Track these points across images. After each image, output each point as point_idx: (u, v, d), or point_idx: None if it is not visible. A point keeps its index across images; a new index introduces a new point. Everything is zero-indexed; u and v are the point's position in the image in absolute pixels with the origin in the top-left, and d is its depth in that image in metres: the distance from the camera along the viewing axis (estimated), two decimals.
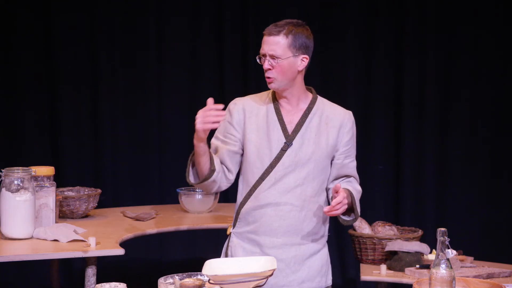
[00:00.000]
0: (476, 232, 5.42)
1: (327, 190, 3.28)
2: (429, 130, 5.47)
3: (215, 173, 3.16)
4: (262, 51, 3.15)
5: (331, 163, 3.26)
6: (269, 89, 3.23)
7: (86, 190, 4.51)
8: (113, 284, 2.69)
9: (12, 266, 4.98)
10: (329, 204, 3.24)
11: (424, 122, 5.47)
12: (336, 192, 3.04)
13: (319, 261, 3.27)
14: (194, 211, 4.55)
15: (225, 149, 3.22)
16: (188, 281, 2.68)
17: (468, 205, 5.45)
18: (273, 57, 3.12)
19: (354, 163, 3.31)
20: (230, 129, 3.24)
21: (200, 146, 3.08)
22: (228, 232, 3.33)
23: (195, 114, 5.79)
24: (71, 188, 4.55)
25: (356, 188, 3.26)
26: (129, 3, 5.42)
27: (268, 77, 3.14)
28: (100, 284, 2.69)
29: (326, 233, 3.34)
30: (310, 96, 3.28)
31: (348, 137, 3.26)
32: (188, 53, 5.51)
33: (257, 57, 3.18)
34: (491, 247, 5.29)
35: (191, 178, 3.21)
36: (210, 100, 3.04)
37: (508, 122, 5.42)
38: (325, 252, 3.32)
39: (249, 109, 3.23)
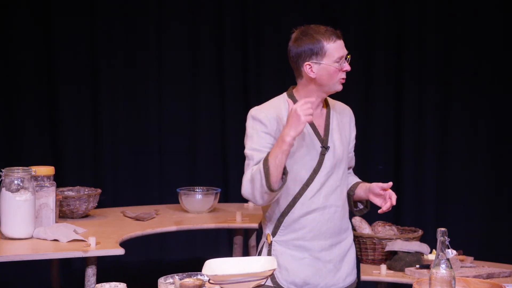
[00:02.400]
0: (476, 232, 5.42)
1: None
2: (429, 130, 5.47)
3: (287, 176, 3.09)
4: (340, 54, 3.20)
5: None
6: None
7: (86, 190, 4.51)
8: (113, 284, 2.69)
9: (12, 266, 4.98)
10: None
11: (424, 122, 5.47)
12: (385, 190, 3.26)
13: (353, 254, 3.38)
14: (194, 211, 4.55)
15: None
16: (188, 281, 2.68)
17: (468, 205, 5.45)
18: (347, 57, 3.25)
19: (352, 155, 3.45)
20: (268, 138, 3.15)
21: (292, 144, 3.04)
22: (269, 241, 3.28)
23: (195, 114, 5.83)
24: (71, 188, 4.54)
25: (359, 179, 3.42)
26: (129, 3, 5.42)
27: (345, 78, 3.22)
28: (100, 284, 2.68)
29: (351, 226, 3.45)
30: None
31: (355, 131, 3.40)
32: (188, 54, 5.51)
33: (333, 65, 3.18)
34: (491, 247, 5.29)
35: (277, 185, 3.08)
36: (309, 99, 3.06)
37: (509, 122, 5.42)
38: (354, 244, 3.42)
39: (280, 117, 3.17)
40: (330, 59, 3.17)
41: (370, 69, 5.53)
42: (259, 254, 3.32)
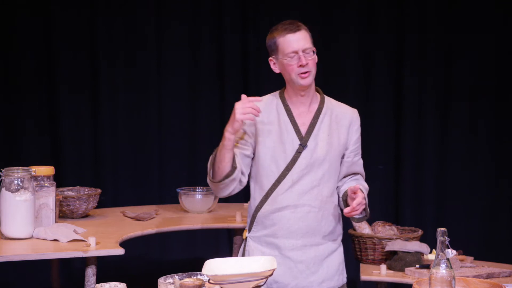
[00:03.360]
0: (476, 232, 5.42)
1: (338, 187, 3.30)
2: (429, 130, 5.47)
3: (237, 171, 3.15)
4: (291, 49, 3.12)
5: (341, 162, 3.27)
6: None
7: (86, 190, 4.51)
8: (113, 284, 2.69)
9: (12, 266, 4.98)
10: (339, 202, 3.28)
11: (424, 122, 5.47)
12: (354, 193, 3.06)
13: (336, 260, 3.29)
14: (194, 211, 4.55)
15: (239, 152, 3.21)
16: (188, 281, 2.68)
17: (468, 205, 5.45)
18: (306, 50, 3.13)
19: (361, 161, 3.34)
20: (242, 133, 3.23)
21: (231, 139, 3.09)
22: (244, 237, 3.32)
23: (195, 114, 5.84)
24: (71, 188, 4.55)
25: (364, 186, 3.29)
26: (129, 3, 5.42)
27: (306, 72, 3.13)
28: (100, 284, 2.69)
29: (341, 231, 3.36)
30: (319, 96, 3.29)
31: (357, 135, 3.30)
32: (188, 53, 5.51)
33: (276, 59, 3.16)
34: (491, 247, 5.29)
35: (216, 177, 3.17)
36: (244, 96, 3.07)
37: (509, 122, 5.42)
38: (341, 250, 3.35)
39: (260, 113, 3.19)
40: (283, 54, 3.15)
41: (370, 69, 5.52)
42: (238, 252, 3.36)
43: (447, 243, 2.55)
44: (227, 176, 3.14)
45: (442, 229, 2.56)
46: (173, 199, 4.81)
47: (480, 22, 5.41)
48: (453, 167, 5.47)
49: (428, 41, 5.44)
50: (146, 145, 5.48)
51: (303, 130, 3.20)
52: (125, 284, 2.70)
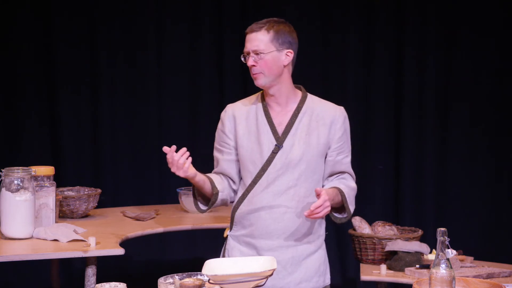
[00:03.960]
0: (476, 232, 5.42)
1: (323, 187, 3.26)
2: (429, 129, 5.47)
3: (220, 194, 3.22)
4: (245, 49, 3.16)
5: (325, 161, 3.24)
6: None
7: (86, 190, 4.51)
8: (113, 284, 2.69)
9: (12, 266, 4.98)
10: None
11: (424, 121, 5.47)
12: (318, 195, 3.02)
13: (316, 261, 3.26)
14: (194, 211, 4.55)
15: (223, 160, 3.25)
16: (188, 281, 2.68)
17: (468, 205, 5.44)
18: (256, 52, 3.13)
19: (348, 159, 3.28)
20: (224, 137, 3.26)
21: (194, 181, 3.16)
22: (225, 235, 3.34)
23: (195, 113, 5.84)
24: (71, 188, 4.55)
25: (349, 186, 3.24)
26: (129, 3, 5.42)
27: (254, 74, 3.14)
28: (100, 284, 2.69)
29: (323, 233, 3.33)
30: (299, 94, 3.27)
31: (340, 133, 3.24)
32: (188, 53, 5.51)
33: (241, 57, 3.18)
34: (491, 247, 5.29)
35: (202, 207, 3.28)
36: (165, 148, 3.11)
37: (509, 122, 5.42)
38: (322, 251, 3.31)
39: (239, 115, 3.23)
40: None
41: (370, 69, 5.52)
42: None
43: (447, 243, 2.55)
44: (212, 202, 3.23)
45: (442, 229, 2.56)
46: (173, 199, 4.81)
47: (481, 19, 5.40)
48: (453, 167, 5.46)
49: (429, 41, 5.43)
50: (146, 145, 5.47)
51: (280, 130, 3.19)
52: (125, 284, 2.70)
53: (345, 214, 3.25)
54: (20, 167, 3.77)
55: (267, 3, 5.47)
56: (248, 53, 3.15)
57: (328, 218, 3.32)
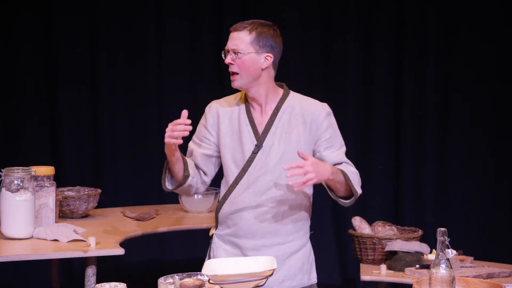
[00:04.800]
0: (476, 232, 5.42)
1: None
2: (429, 129, 5.47)
3: (190, 178, 3.21)
4: (226, 46, 3.17)
5: (316, 158, 3.18)
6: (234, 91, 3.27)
7: (86, 190, 4.51)
8: (113, 284, 2.69)
9: (12, 266, 4.98)
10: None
11: (424, 121, 5.47)
12: (302, 157, 2.97)
13: (300, 259, 3.25)
14: (194, 211, 4.55)
15: (199, 153, 3.26)
16: (188, 281, 2.68)
17: (468, 205, 5.44)
18: (235, 52, 3.13)
19: (340, 152, 3.23)
20: (205, 132, 3.27)
21: (171, 156, 3.14)
22: (210, 234, 3.35)
23: (196, 113, 5.81)
24: (71, 188, 4.55)
25: (350, 170, 3.18)
26: (129, 3, 5.41)
27: (232, 73, 3.15)
28: (100, 284, 2.69)
29: (308, 231, 3.31)
30: (280, 93, 3.25)
31: (324, 127, 3.20)
32: (188, 53, 5.51)
33: (222, 53, 3.19)
34: (491, 247, 5.29)
35: (167, 185, 3.28)
36: (184, 113, 3.09)
37: (509, 122, 5.42)
38: (307, 250, 3.30)
39: (223, 112, 3.25)
40: None
41: (370, 69, 5.52)
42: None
43: (447, 243, 2.55)
44: (180, 184, 3.23)
45: (442, 229, 2.56)
46: (173, 199, 4.81)
47: (481, 20, 5.40)
48: (453, 167, 5.46)
49: (429, 40, 5.43)
50: (146, 145, 5.47)
51: (260, 129, 3.20)
52: (125, 284, 2.70)
53: (351, 199, 3.19)
54: (20, 167, 3.76)
55: (267, 3, 5.47)
56: (228, 51, 3.15)
57: (316, 215, 3.32)
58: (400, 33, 5.47)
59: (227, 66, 5.72)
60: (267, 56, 3.16)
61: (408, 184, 5.47)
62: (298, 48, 5.44)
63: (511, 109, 5.43)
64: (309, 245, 3.32)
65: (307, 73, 5.52)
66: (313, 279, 3.32)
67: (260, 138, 3.18)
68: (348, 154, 3.30)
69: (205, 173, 3.28)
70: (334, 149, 3.22)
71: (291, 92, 3.28)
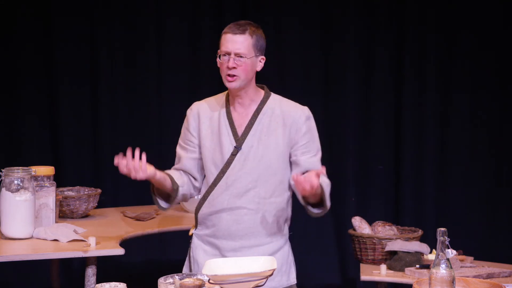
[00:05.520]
0: (476, 232, 5.42)
1: (292, 185, 3.20)
2: (429, 130, 5.46)
3: (180, 189, 3.22)
4: (225, 49, 3.13)
5: (290, 161, 3.21)
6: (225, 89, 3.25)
7: (86, 190, 4.51)
8: (113, 284, 2.69)
9: (12, 266, 4.98)
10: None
11: (424, 122, 5.46)
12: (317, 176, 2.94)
13: (278, 260, 3.19)
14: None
15: (186, 157, 3.26)
16: (188, 281, 2.68)
17: (468, 205, 5.44)
18: (238, 55, 3.12)
19: (316, 158, 3.22)
20: (188, 135, 3.27)
21: (156, 180, 3.16)
22: (190, 233, 3.36)
23: None
24: (71, 188, 4.55)
25: (325, 181, 3.16)
26: (129, 3, 5.41)
27: (232, 75, 3.12)
28: (100, 284, 2.68)
29: (287, 232, 3.31)
30: (261, 95, 3.25)
31: (302, 132, 3.20)
32: (188, 53, 5.51)
33: (218, 56, 3.16)
34: (491, 247, 5.29)
35: (163, 205, 3.28)
36: (116, 161, 3.18)
37: (509, 122, 5.42)
38: (285, 251, 3.29)
39: (203, 114, 3.24)
40: (220, 51, 3.18)
41: (369, 70, 5.52)
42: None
43: (447, 243, 2.55)
44: (173, 198, 3.24)
45: (442, 229, 2.56)
46: None
47: (481, 16, 5.40)
48: (453, 167, 5.46)
49: (429, 41, 5.43)
50: (146, 145, 5.44)
51: (240, 131, 3.19)
52: (125, 284, 2.70)
53: (320, 209, 3.18)
54: (20, 167, 3.77)
55: (267, 3, 5.47)
56: (229, 54, 3.12)
57: (298, 217, 3.32)
58: (400, 33, 5.47)
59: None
60: (261, 58, 3.19)
61: (408, 184, 5.47)
62: (298, 48, 5.44)
63: (511, 109, 5.43)
64: (287, 246, 3.31)
65: (307, 73, 5.52)
66: (292, 279, 3.31)
67: (239, 140, 3.18)
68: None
69: (195, 178, 3.28)
70: (311, 154, 3.21)
71: (272, 94, 3.27)
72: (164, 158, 5.53)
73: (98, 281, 3.14)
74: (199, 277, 2.75)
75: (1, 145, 5.28)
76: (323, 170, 3.01)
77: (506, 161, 5.43)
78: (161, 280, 2.71)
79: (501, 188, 5.43)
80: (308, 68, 5.52)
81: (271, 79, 5.42)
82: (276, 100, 3.24)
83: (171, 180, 3.21)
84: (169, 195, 3.26)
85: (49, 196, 3.96)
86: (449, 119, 5.47)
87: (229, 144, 3.18)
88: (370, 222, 4.25)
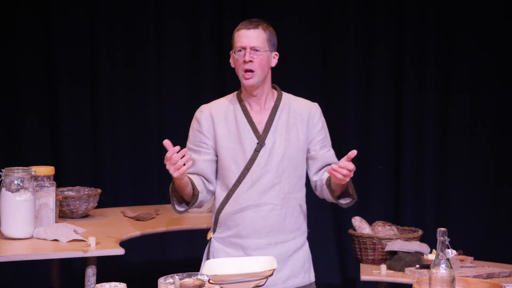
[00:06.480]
0: (476, 232, 5.42)
1: (315, 182, 3.28)
2: (429, 130, 5.47)
3: (200, 195, 3.20)
4: (240, 44, 3.16)
5: (307, 157, 3.26)
6: (235, 90, 3.27)
7: (86, 190, 4.51)
8: (113, 284, 2.69)
9: (12, 266, 4.98)
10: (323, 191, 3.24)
11: (424, 121, 5.47)
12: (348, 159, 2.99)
13: (302, 257, 3.27)
14: (194, 211, 4.55)
15: (200, 160, 3.24)
16: (188, 281, 2.68)
17: (468, 205, 5.44)
18: (254, 49, 3.15)
19: (332, 152, 3.30)
20: (201, 137, 3.26)
21: (181, 183, 3.10)
22: (208, 237, 3.34)
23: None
24: (71, 188, 4.55)
25: None
26: (129, 3, 5.41)
27: (250, 70, 3.14)
28: (100, 284, 2.68)
29: (306, 229, 3.34)
30: (275, 93, 3.29)
31: (319, 127, 3.27)
32: (188, 53, 5.51)
33: (232, 53, 3.18)
34: (491, 247, 5.29)
35: (179, 208, 3.24)
36: (166, 142, 2.99)
37: (509, 122, 5.42)
38: (306, 247, 3.33)
39: (217, 115, 3.24)
40: (234, 48, 3.20)
41: (369, 69, 5.52)
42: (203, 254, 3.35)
43: (447, 243, 2.55)
44: (192, 203, 3.20)
45: (442, 229, 2.56)
46: None
47: (481, 14, 5.40)
48: (453, 167, 5.46)
49: (429, 41, 5.43)
50: (146, 145, 5.47)
51: (260, 128, 3.21)
52: (125, 284, 2.70)
53: (349, 199, 3.25)
54: (20, 167, 3.77)
55: (267, 3, 5.47)
56: (244, 48, 3.15)
57: (316, 215, 3.34)
58: (400, 33, 5.47)
59: (227, 65, 5.71)
60: (275, 54, 3.23)
61: (408, 184, 5.47)
62: (298, 48, 5.44)
63: (511, 109, 5.43)
64: (307, 244, 3.34)
65: (307, 73, 5.52)
66: (312, 277, 3.35)
67: (261, 137, 3.19)
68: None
69: (208, 181, 3.25)
70: (327, 149, 3.30)
71: (283, 92, 3.31)
72: (164, 158, 5.56)
73: (98, 281, 3.14)
74: (199, 277, 2.75)
75: (1, 145, 5.28)
76: (354, 152, 3.01)
77: (506, 161, 5.44)
78: (161, 280, 2.71)
79: (501, 188, 5.44)
80: (308, 68, 5.52)
81: (271, 79, 5.44)
82: (289, 98, 3.30)
83: (192, 185, 3.18)
84: (185, 199, 3.22)
85: (49, 196, 3.96)
86: (449, 119, 5.47)
87: (250, 141, 3.19)
88: (370, 222, 4.25)
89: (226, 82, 5.51)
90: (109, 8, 5.37)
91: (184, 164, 2.97)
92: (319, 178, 3.27)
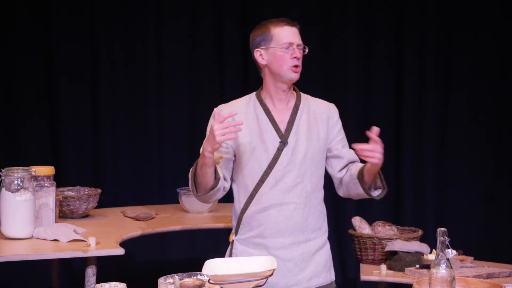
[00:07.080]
0: (476, 232, 5.42)
1: (339, 179, 3.30)
2: (429, 129, 5.47)
3: (220, 181, 3.14)
4: (289, 40, 3.20)
5: (330, 156, 3.28)
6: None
7: (86, 190, 4.51)
8: (113, 284, 2.69)
9: (12, 266, 4.98)
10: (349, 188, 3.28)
11: (424, 121, 5.47)
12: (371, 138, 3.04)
13: (324, 256, 3.30)
14: (194, 211, 4.55)
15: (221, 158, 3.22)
16: (188, 281, 2.68)
17: (468, 205, 5.44)
18: (300, 46, 3.24)
19: (352, 150, 3.31)
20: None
21: (211, 157, 3.04)
22: (230, 240, 3.33)
23: (196, 113, 5.83)
24: (71, 188, 4.54)
25: None
26: (129, 2, 5.41)
27: (299, 66, 3.21)
28: (100, 284, 2.69)
29: (327, 228, 3.37)
30: (295, 93, 3.32)
31: (338, 127, 3.33)
32: (188, 52, 5.51)
33: (298, 48, 3.21)
34: (491, 247, 5.29)
35: (197, 190, 3.17)
36: (217, 112, 3.02)
37: (509, 121, 5.42)
38: (328, 247, 3.35)
39: (238, 114, 3.21)
40: (277, 43, 3.20)
41: (370, 68, 5.52)
42: (225, 255, 3.33)
43: (447, 243, 2.55)
44: (212, 188, 3.14)
45: (442, 229, 2.56)
46: (173, 199, 4.81)
47: (480, 18, 5.40)
48: (453, 167, 5.46)
49: (428, 39, 5.43)
50: (146, 145, 5.47)
51: (282, 127, 3.22)
52: (125, 284, 2.70)
53: (379, 190, 3.27)
54: (20, 167, 3.76)
55: (267, 3, 5.47)
56: (292, 44, 3.20)
57: (329, 215, 3.35)
58: (400, 32, 5.47)
59: (229, 66, 5.73)
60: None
61: (408, 184, 5.47)
62: None
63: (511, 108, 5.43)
64: (328, 243, 3.37)
65: (306, 71, 5.49)
66: (333, 276, 3.37)
67: (283, 136, 3.20)
68: None
69: (225, 179, 3.22)
70: (347, 147, 3.35)
71: (301, 92, 3.35)
72: (164, 158, 5.57)
73: (98, 281, 3.14)
74: (199, 277, 2.75)
75: (1, 145, 5.28)
76: (376, 129, 3.06)
77: (506, 161, 5.44)
78: (161, 280, 2.71)
79: (501, 188, 5.44)
80: (308, 67, 5.51)
81: None
82: (308, 98, 3.34)
83: (214, 170, 3.12)
84: (207, 184, 3.12)
85: (49, 196, 3.96)
86: (450, 119, 5.47)
87: (272, 140, 3.19)
88: (370, 222, 4.25)
89: (226, 81, 5.51)
90: (109, 7, 5.37)
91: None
92: (346, 174, 3.28)
